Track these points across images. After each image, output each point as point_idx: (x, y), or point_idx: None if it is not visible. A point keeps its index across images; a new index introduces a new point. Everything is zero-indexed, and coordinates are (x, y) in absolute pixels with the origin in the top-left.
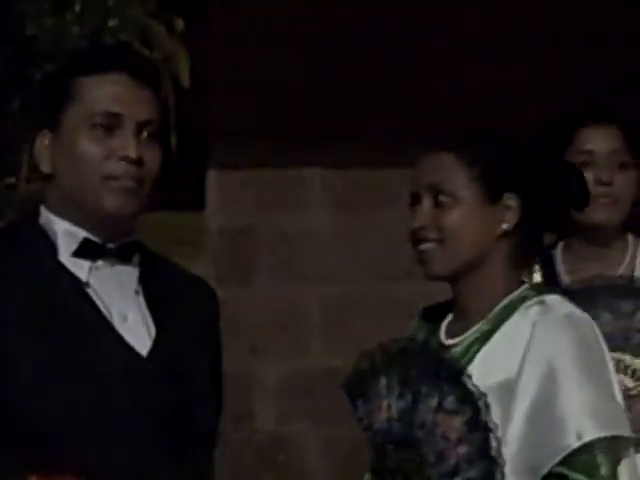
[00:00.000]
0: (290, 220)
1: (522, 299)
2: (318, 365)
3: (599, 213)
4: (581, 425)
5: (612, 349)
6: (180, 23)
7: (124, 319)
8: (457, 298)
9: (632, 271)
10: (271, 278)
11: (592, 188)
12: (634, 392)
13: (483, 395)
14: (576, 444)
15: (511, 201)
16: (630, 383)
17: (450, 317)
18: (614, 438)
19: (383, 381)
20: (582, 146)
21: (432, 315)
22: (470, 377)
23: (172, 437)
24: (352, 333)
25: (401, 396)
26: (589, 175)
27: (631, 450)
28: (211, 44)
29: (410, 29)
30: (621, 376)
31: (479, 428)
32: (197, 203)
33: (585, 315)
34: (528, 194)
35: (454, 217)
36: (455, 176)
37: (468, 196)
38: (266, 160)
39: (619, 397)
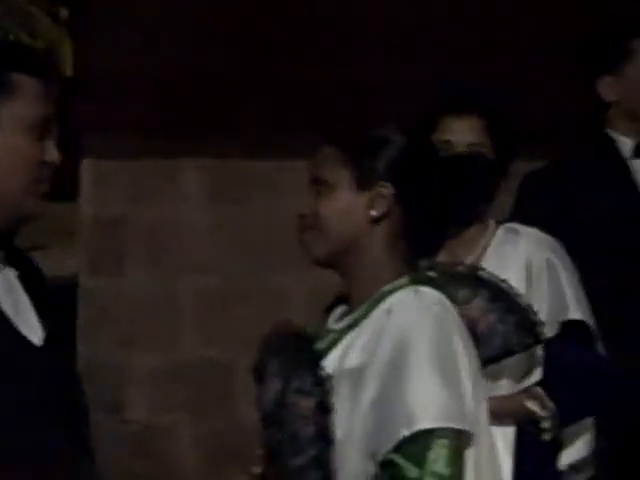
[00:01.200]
0: (164, 210)
1: (397, 288)
2: (192, 355)
3: None
4: (417, 414)
5: None
6: (64, 12)
7: (17, 311)
8: (344, 284)
9: (480, 259)
10: (145, 268)
11: None
12: None
13: (330, 377)
14: (407, 432)
15: (383, 189)
16: None
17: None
18: (454, 431)
19: (271, 364)
20: (442, 136)
21: (338, 302)
22: (327, 361)
23: (71, 423)
24: (227, 323)
25: (278, 378)
26: None
27: (471, 443)
28: (94, 34)
29: (283, 24)
30: None
31: (324, 410)
32: (71, 192)
33: (449, 308)
34: (401, 183)
35: (327, 204)
36: (331, 166)
37: (341, 184)
38: (140, 150)
39: (468, 391)
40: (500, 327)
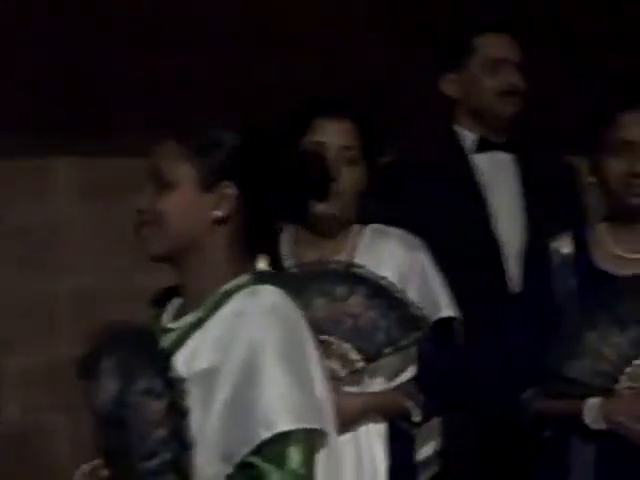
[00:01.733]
0: (36, 210)
1: (239, 287)
2: (67, 356)
3: (321, 206)
4: (274, 416)
5: (323, 333)
6: None
7: None
8: (181, 281)
9: (351, 258)
10: (17, 268)
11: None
12: (342, 375)
13: (183, 380)
14: (267, 435)
15: (228, 189)
16: (338, 367)
17: (179, 300)
18: (308, 430)
19: (104, 362)
20: (314, 138)
21: (165, 297)
22: (174, 362)
23: None
24: (102, 323)
25: (116, 377)
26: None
27: (326, 442)
28: None
29: (158, 22)
30: (331, 360)
31: (177, 413)
32: None
33: (293, 307)
34: (247, 183)
35: (168, 201)
36: (174, 163)
37: (184, 182)
38: (11, 149)
39: (319, 389)
40: (382, 323)
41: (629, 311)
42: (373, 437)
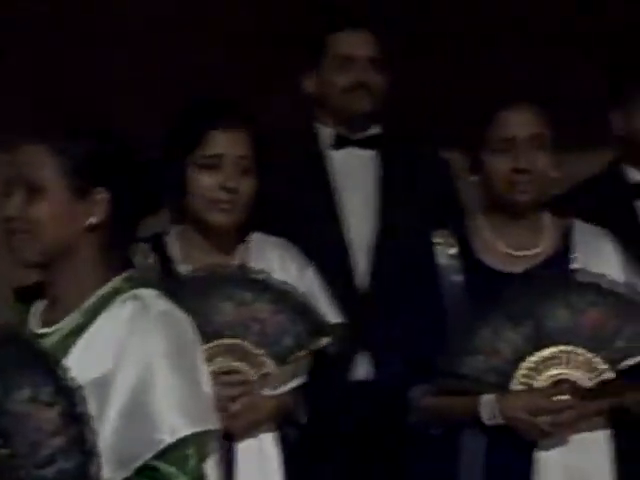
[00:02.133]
0: None
1: (116, 291)
2: None
3: (218, 216)
4: (175, 422)
5: (233, 336)
6: None
7: None
8: (50, 286)
9: (245, 261)
10: None
11: (216, 193)
12: (253, 377)
13: (79, 388)
14: (171, 440)
15: (100, 195)
16: (249, 369)
17: (43, 304)
18: (203, 432)
19: None
20: (211, 150)
21: (25, 296)
22: (66, 369)
23: None
24: None
25: None
26: (216, 179)
27: (216, 440)
28: None
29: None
30: (243, 363)
31: (75, 420)
32: None
33: (180, 312)
34: (118, 189)
35: (40, 209)
36: (45, 169)
37: (56, 189)
38: None
39: (207, 390)
40: (291, 327)
41: (522, 308)
42: (268, 443)
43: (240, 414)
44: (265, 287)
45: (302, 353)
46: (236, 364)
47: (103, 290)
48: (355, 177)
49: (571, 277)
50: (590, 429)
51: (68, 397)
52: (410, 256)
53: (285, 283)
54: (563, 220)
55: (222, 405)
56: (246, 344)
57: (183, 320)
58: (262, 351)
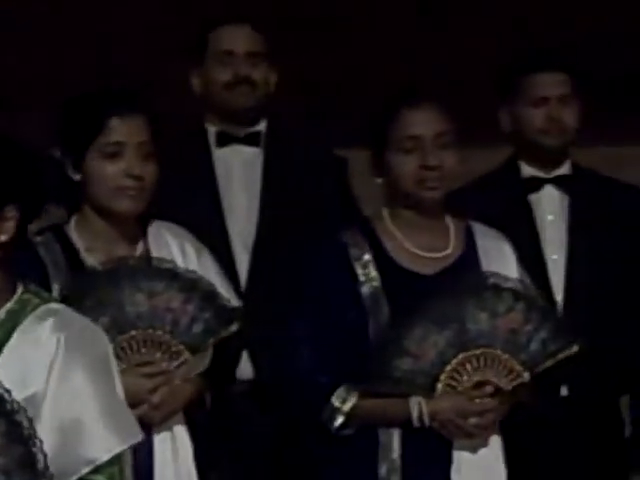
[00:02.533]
0: None
1: (23, 305)
2: None
3: (125, 203)
4: (109, 439)
5: (148, 327)
6: None
7: None
8: None
9: (148, 252)
10: None
11: (121, 180)
12: (170, 367)
13: (22, 408)
14: (108, 456)
15: (11, 213)
16: (164, 358)
17: None
18: (128, 445)
19: None
20: (111, 138)
21: None
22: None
23: None
24: None
25: None
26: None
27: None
28: None
29: None
30: (157, 353)
31: (19, 441)
32: None
33: (95, 325)
34: (28, 204)
35: None
36: None
37: None
38: None
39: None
40: (201, 315)
41: (446, 310)
42: (183, 439)
43: (160, 405)
44: (173, 276)
45: (213, 340)
46: (153, 355)
47: (10, 305)
48: (240, 175)
49: (490, 281)
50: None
51: (7, 418)
52: (317, 256)
53: (191, 271)
54: (462, 222)
55: (141, 397)
56: (161, 334)
57: (101, 333)
58: (176, 341)
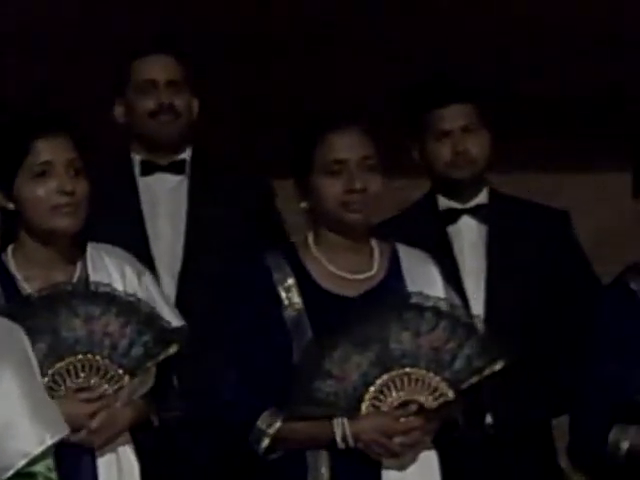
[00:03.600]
0: None
1: None
2: None
3: (62, 221)
4: (40, 433)
5: (86, 352)
6: None
7: None
8: None
9: (86, 275)
10: None
11: (55, 198)
12: (109, 391)
13: None
14: (41, 448)
15: None
16: (101, 383)
17: None
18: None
19: None
20: (37, 159)
21: None
22: None
23: None
24: None
25: None
26: (50, 186)
27: None
28: None
29: None
30: (95, 377)
31: None
32: None
33: (14, 324)
34: None
35: None
36: None
37: None
38: None
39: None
40: (139, 338)
41: (368, 332)
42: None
43: (100, 430)
44: (111, 300)
45: (151, 363)
46: (91, 380)
47: None
48: (165, 203)
49: (412, 301)
50: (424, 446)
51: None
52: (241, 281)
53: (129, 294)
54: (387, 244)
55: (80, 423)
56: (99, 359)
57: (21, 331)
58: (115, 365)
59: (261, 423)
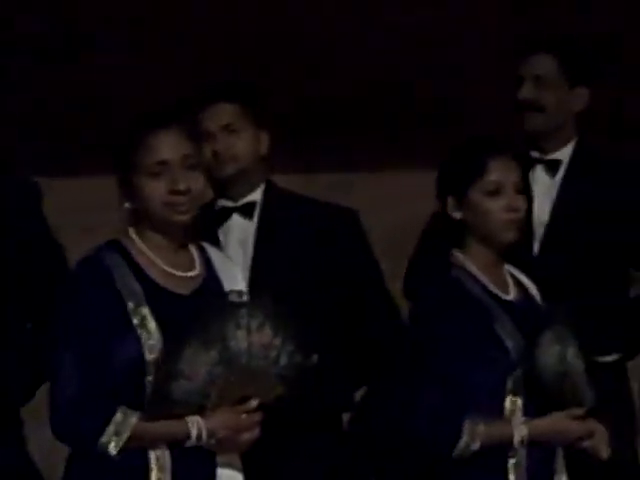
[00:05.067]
0: None
1: None
2: None
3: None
4: None
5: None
6: None
7: None
8: None
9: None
10: None
11: None
12: None
13: None
14: None
15: None
16: None
17: None
18: None
19: None
20: None
21: None
22: None
23: None
24: None
25: None
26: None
27: None
28: None
29: None
30: None
31: None
32: None
33: None
34: None
35: None
36: None
37: None
38: None
39: None
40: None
41: (211, 330)
42: None
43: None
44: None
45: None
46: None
47: None
48: None
49: (239, 299)
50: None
51: None
52: (81, 281)
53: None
54: (197, 243)
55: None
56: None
57: None
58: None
59: (113, 425)
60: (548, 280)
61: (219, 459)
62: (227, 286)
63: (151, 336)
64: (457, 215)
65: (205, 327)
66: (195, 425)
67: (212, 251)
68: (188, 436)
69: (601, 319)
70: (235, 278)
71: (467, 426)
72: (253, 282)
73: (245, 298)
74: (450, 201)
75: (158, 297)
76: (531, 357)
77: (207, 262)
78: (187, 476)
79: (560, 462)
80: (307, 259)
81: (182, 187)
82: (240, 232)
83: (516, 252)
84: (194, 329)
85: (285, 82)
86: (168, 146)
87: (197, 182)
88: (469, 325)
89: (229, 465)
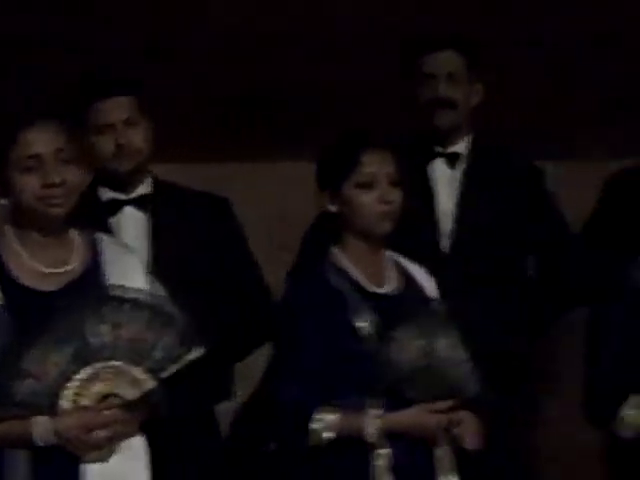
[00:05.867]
0: None
1: None
2: None
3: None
4: None
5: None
6: None
7: None
8: None
9: None
10: None
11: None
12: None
13: None
14: None
15: None
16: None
17: None
18: None
19: None
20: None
21: None
22: None
23: None
24: None
25: None
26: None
27: None
28: None
29: None
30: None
31: None
32: None
33: None
34: None
35: None
36: None
37: None
38: None
39: None
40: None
41: (66, 327)
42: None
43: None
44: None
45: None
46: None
47: None
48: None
49: (109, 292)
50: (128, 436)
51: None
52: None
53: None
54: (89, 235)
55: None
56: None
57: None
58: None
59: None
60: (462, 272)
61: (84, 457)
62: (115, 279)
63: (8, 338)
64: (332, 209)
65: (61, 324)
66: (41, 426)
67: (107, 243)
68: (32, 437)
69: (509, 308)
70: (133, 270)
71: (319, 416)
72: (153, 274)
73: (142, 295)
74: (326, 195)
75: (18, 296)
76: (385, 352)
77: (95, 255)
78: (48, 476)
79: (447, 461)
80: (195, 251)
81: (57, 180)
82: (135, 225)
83: (421, 245)
84: (47, 326)
85: None
86: (41, 140)
87: (73, 175)
88: (329, 320)
89: (97, 461)
